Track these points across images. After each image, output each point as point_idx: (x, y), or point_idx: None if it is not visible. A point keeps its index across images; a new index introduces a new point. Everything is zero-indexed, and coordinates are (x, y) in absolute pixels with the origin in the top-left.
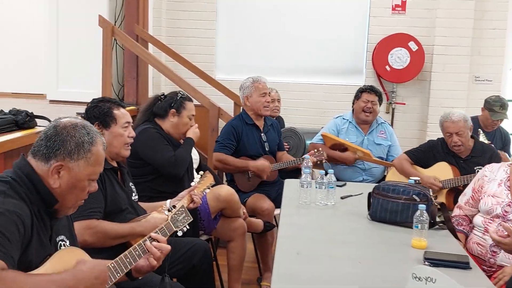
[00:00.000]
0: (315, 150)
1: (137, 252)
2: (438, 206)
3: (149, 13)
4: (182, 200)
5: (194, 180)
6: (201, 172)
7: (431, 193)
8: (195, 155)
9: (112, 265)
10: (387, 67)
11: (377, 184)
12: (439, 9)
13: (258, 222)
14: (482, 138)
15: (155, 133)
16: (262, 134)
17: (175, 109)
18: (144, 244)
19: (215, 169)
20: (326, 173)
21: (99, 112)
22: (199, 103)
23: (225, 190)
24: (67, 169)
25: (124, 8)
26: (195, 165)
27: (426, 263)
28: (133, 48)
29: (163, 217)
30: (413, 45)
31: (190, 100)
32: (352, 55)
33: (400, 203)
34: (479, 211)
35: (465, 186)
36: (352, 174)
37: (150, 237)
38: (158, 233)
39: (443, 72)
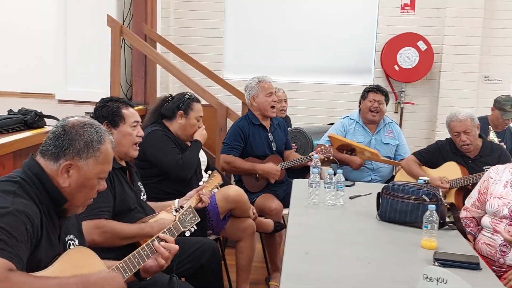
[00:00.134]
0: (322, 147)
1: (145, 252)
2: (448, 206)
3: (157, 12)
4: (190, 200)
5: (202, 179)
6: (209, 172)
7: (440, 193)
8: (202, 157)
9: (121, 265)
10: (395, 66)
11: (386, 184)
12: (448, 8)
13: (269, 222)
14: (492, 135)
15: (163, 135)
16: (269, 134)
17: (183, 110)
18: (152, 244)
19: (222, 170)
20: (335, 173)
21: (107, 112)
22: (207, 103)
23: (234, 190)
24: (76, 168)
25: (133, 7)
26: (203, 167)
27: (436, 263)
28: (142, 47)
29: (171, 217)
30: (422, 45)
31: (198, 101)
32: (361, 54)
33: (410, 203)
34: (485, 212)
35: (474, 185)
36: (360, 174)
37: (158, 237)
38: (166, 233)
39: (452, 71)
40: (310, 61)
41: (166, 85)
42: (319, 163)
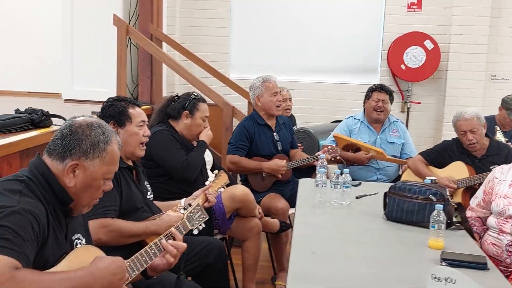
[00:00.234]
0: (329, 147)
1: (152, 251)
2: (455, 206)
3: (163, 12)
4: (197, 199)
5: (208, 179)
6: (216, 171)
7: (447, 193)
8: (208, 156)
9: (128, 263)
10: (402, 65)
11: (393, 183)
12: (455, 7)
13: (274, 222)
14: (499, 135)
15: (169, 135)
16: (274, 134)
17: (188, 110)
18: (160, 243)
19: (229, 171)
20: (342, 173)
21: (114, 111)
22: (213, 102)
23: (240, 190)
24: (82, 168)
25: (139, 7)
26: (209, 167)
27: (443, 263)
28: (148, 47)
29: (178, 215)
30: (428, 44)
31: (204, 101)
32: (367, 53)
33: (417, 203)
34: (491, 213)
35: (481, 184)
36: (366, 173)
37: (165, 235)
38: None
39: (459, 70)
40: (316, 60)
41: (172, 85)
42: (325, 163)
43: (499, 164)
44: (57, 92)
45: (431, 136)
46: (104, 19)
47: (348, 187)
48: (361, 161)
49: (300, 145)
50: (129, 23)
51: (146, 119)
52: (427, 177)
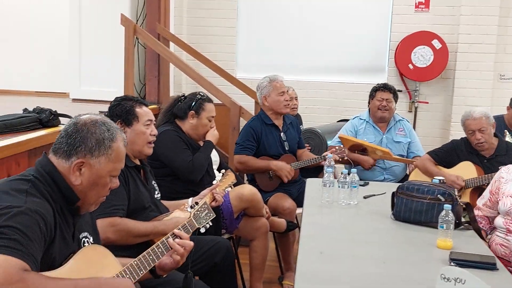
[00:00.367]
0: (336, 147)
1: (160, 250)
2: (464, 206)
3: (171, 11)
4: (204, 198)
5: (215, 178)
6: (223, 171)
7: (456, 193)
8: (215, 156)
9: (135, 262)
10: (410, 65)
11: (401, 183)
12: (463, 6)
13: (281, 222)
14: (508, 138)
15: (175, 135)
16: (281, 134)
17: (194, 110)
18: (167, 241)
19: (236, 171)
20: (349, 172)
21: (121, 110)
22: (220, 102)
23: (248, 189)
24: (88, 166)
25: (146, 6)
26: (215, 166)
27: (452, 263)
28: (155, 46)
29: (185, 215)
30: (436, 43)
31: (210, 101)
32: (374, 53)
33: (425, 202)
34: (498, 213)
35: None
36: (373, 173)
37: (173, 234)
38: (181, 230)
39: (467, 70)
40: (323, 60)
41: (179, 84)
42: (333, 162)
43: (507, 165)
44: (65, 91)
45: (438, 136)
46: (111, 19)
47: (355, 187)
48: (367, 164)
49: (308, 145)
50: (137, 23)
51: (153, 118)
52: (435, 177)
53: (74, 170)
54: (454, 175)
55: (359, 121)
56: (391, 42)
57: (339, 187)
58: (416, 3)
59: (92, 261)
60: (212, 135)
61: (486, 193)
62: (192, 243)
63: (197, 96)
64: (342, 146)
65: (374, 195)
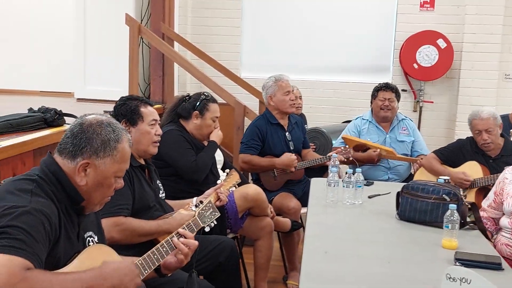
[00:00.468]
0: (342, 148)
1: (164, 249)
2: (469, 206)
3: (175, 11)
4: (208, 197)
5: (220, 178)
6: (227, 170)
7: (461, 193)
8: (219, 156)
9: (140, 262)
10: (415, 64)
11: (406, 183)
12: (468, 6)
13: (286, 221)
14: None
15: (178, 135)
16: (286, 133)
17: (198, 111)
18: (171, 241)
19: (241, 170)
20: (354, 172)
21: (126, 110)
22: (224, 102)
23: (253, 189)
24: (93, 167)
25: (150, 6)
26: (219, 166)
27: (457, 263)
28: (159, 46)
29: (190, 214)
30: (441, 43)
31: (214, 102)
32: (379, 52)
33: (430, 202)
34: (503, 213)
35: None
36: (377, 173)
37: (177, 233)
38: (186, 229)
39: (472, 69)
40: (328, 59)
41: (183, 84)
42: (337, 162)
43: None
44: (70, 91)
45: (443, 135)
46: (116, 18)
47: (360, 186)
48: (371, 158)
49: (313, 144)
50: (141, 23)
51: (158, 118)
52: (440, 177)
53: (80, 171)
54: (461, 172)
55: (362, 121)
56: (396, 41)
57: (343, 186)
58: (421, 2)
59: (96, 261)
60: (216, 136)
61: (490, 195)
62: (196, 243)
63: (202, 96)
64: (347, 146)
65: (379, 194)
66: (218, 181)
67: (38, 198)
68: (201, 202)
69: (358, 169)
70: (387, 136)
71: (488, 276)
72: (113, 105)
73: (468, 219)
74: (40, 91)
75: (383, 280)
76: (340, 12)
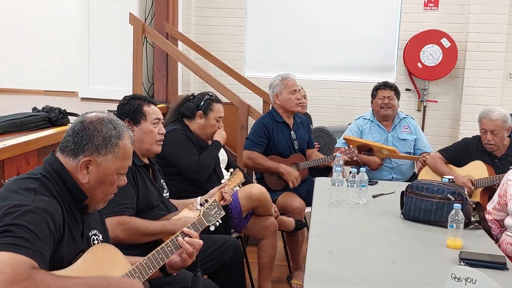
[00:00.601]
0: (346, 148)
1: (169, 248)
2: (473, 206)
3: (179, 10)
4: (212, 196)
5: (224, 177)
6: (231, 170)
7: (466, 192)
8: (223, 155)
9: (144, 261)
10: (419, 64)
11: (410, 182)
12: (473, 5)
13: (290, 221)
14: None
15: (182, 135)
16: (291, 132)
17: (202, 110)
18: (176, 240)
19: (245, 166)
20: (358, 172)
21: (129, 109)
22: (228, 101)
23: (257, 189)
24: (95, 164)
25: (154, 6)
26: (223, 165)
27: (462, 263)
28: (163, 45)
29: (194, 214)
30: (445, 42)
31: (219, 102)
32: (383, 52)
33: (435, 202)
34: (507, 214)
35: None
36: (381, 173)
37: (182, 232)
38: (191, 228)
39: (477, 69)
40: (332, 58)
41: (187, 83)
42: (341, 161)
43: None
44: (74, 90)
45: (447, 135)
46: (120, 18)
47: (364, 186)
48: (374, 164)
49: (317, 143)
50: (145, 22)
51: (161, 117)
52: (444, 176)
53: (82, 168)
54: (465, 178)
55: (363, 121)
56: (400, 41)
57: (348, 186)
58: (425, 2)
59: (101, 260)
60: (220, 135)
61: (495, 197)
62: (201, 242)
63: (206, 96)
64: (351, 146)
65: (383, 194)
66: (222, 181)
67: (42, 196)
68: (206, 201)
69: (362, 169)
70: (389, 135)
71: (493, 276)
72: (117, 104)
73: (472, 219)
74: (44, 91)
75: (388, 280)
76: (344, 12)
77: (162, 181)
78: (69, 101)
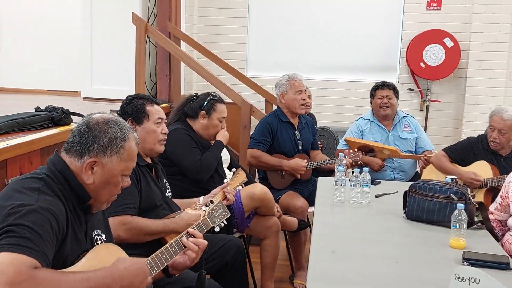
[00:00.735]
0: (351, 151)
1: (173, 249)
2: (477, 206)
3: (182, 10)
4: (216, 196)
5: (226, 177)
6: (234, 169)
7: (469, 192)
8: (225, 155)
9: (148, 261)
10: (421, 64)
11: (413, 182)
12: (476, 5)
13: (293, 221)
14: None
15: (185, 134)
16: (296, 132)
17: (205, 111)
18: (180, 240)
19: (248, 165)
20: (361, 171)
21: (132, 109)
22: (231, 101)
23: (260, 188)
24: (100, 165)
25: (157, 5)
26: (225, 165)
27: (465, 263)
28: (166, 45)
29: (196, 214)
30: (448, 42)
31: (222, 102)
32: (386, 51)
33: (438, 202)
34: (510, 215)
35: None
36: (383, 173)
37: (187, 232)
38: (195, 229)
39: (480, 69)
40: (334, 58)
41: (190, 83)
42: (344, 161)
43: None
44: (77, 90)
45: (450, 135)
46: (123, 17)
47: (367, 185)
48: (376, 165)
49: (320, 143)
50: (148, 22)
51: (164, 116)
52: (447, 176)
53: (87, 169)
54: (471, 172)
55: (363, 122)
56: (402, 40)
57: (350, 186)
58: (428, 1)
59: (104, 260)
60: (223, 136)
61: (497, 198)
62: (206, 242)
63: (209, 96)
64: (356, 150)
65: (386, 194)
66: (225, 180)
67: (46, 196)
68: (212, 201)
69: (365, 168)
70: (390, 134)
71: (497, 275)
72: (120, 104)
73: (476, 219)
74: (47, 90)
75: (391, 280)
76: (347, 11)
77: (165, 180)
78: (72, 100)
